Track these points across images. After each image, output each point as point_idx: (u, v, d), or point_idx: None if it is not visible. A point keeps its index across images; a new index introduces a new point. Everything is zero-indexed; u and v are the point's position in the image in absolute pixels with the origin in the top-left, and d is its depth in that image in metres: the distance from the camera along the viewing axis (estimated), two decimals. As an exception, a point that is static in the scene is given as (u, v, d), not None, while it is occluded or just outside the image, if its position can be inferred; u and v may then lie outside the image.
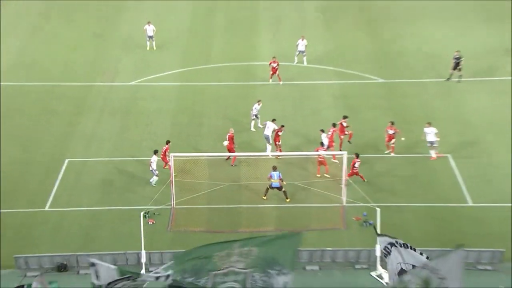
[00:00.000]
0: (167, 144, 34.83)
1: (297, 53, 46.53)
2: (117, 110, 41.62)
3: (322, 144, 35.20)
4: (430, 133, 35.97)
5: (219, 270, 16.67)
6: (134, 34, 50.94)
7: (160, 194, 32.83)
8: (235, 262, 16.71)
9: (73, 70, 46.46)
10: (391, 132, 36.47)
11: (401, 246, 18.21)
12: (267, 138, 35.81)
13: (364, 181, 33.70)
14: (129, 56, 48.31)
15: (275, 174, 32.59)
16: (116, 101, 42.70)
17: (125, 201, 33.30)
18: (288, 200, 32.88)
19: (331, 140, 35.78)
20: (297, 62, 46.65)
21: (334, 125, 36.27)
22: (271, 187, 32.74)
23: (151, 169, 33.68)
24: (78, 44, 49.97)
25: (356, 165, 33.55)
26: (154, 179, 33.75)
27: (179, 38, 50.70)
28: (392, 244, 18.26)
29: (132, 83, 44.88)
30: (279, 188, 32.73)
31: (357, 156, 33.73)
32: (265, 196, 33.00)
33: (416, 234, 30.90)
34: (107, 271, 16.17)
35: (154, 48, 49.08)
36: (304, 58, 46.46)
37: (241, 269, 16.64)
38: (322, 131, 35.87)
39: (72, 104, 42.29)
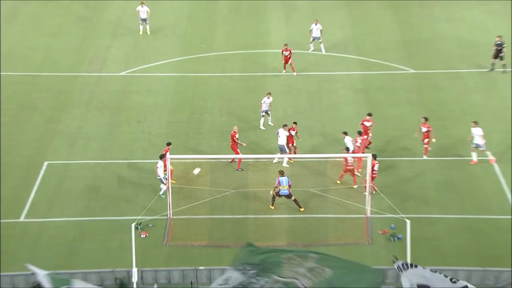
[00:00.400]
0: (167, 146, 34.41)
1: (311, 39, 46.22)
2: (105, 105, 41.38)
3: (347, 149, 34.71)
4: (477, 135, 35.60)
5: (282, 277, 17.29)
6: (125, 17, 50.75)
7: (154, 203, 32.57)
8: (302, 276, 17.27)
9: (55, 58, 46.20)
10: (424, 129, 36.01)
11: (408, 267, 18.15)
12: (282, 148, 35.43)
13: (375, 191, 33.22)
14: (119, 42, 48.09)
15: (284, 180, 32.34)
16: (104, 94, 42.46)
17: (114, 211, 33.04)
18: (302, 210, 32.60)
19: (360, 150, 34.96)
20: (313, 50, 46.36)
21: (360, 133, 35.64)
22: (278, 194, 32.49)
23: (158, 177, 33.20)
24: (61, 29, 49.78)
25: (376, 167, 33.15)
26: (162, 188, 33.36)
27: (177, 24, 50.44)
28: (399, 267, 18.29)
29: (123, 73, 44.67)
30: (288, 196, 32.50)
31: (375, 157, 33.24)
32: (272, 205, 32.75)
33: (451, 250, 30.58)
34: (42, 278, 16.70)
35: (148, 32, 48.87)
36: (321, 45, 46.13)
37: (304, 287, 17.15)
38: (346, 133, 35.43)
39: (53, 97, 42.03)
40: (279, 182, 32.29)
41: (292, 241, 30.99)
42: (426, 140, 36.03)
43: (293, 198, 32.48)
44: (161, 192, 33.33)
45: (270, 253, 17.96)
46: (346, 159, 33.86)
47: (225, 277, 17.57)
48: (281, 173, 32.55)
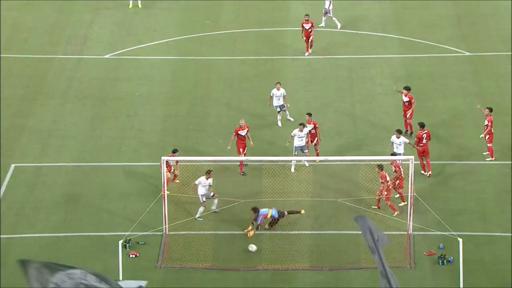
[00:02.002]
0: (173, 154, 34.33)
1: (324, 11, 46.08)
2: (86, 95, 41.56)
3: (394, 155, 34.29)
4: None
5: None
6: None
7: (147, 215, 32.74)
8: None
9: (23, 37, 46.53)
10: (485, 123, 35.86)
11: None
12: (302, 149, 35.68)
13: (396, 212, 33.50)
14: (104, 17, 48.28)
15: (271, 210, 32.21)
16: (85, 81, 42.68)
17: (96, 225, 33.27)
18: (303, 212, 32.80)
19: (425, 150, 34.68)
20: (341, 28, 46.40)
21: (422, 125, 35.03)
22: (273, 221, 32.45)
23: (198, 195, 33.08)
24: (32, 1, 50.03)
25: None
26: (200, 210, 33.36)
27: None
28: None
29: (108, 56, 44.87)
30: (281, 216, 32.61)
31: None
32: (252, 230, 32.52)
33: (515, 275, 30.69)
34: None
35: (139, 5, 48.97)
36: (335, 19, 45.97)
37: None
38: (400, 132, 34.98)
39: (22, 85, 42.31)
40: (264, 216, 32.13)
41: (316, 264, 31.20)
42: (488, 137, 35.89)
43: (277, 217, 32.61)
44: (197, 215, 33.25)
45: None
46: (397, 165, 33.66)
47: None
48: (256, 210, 32.18)
